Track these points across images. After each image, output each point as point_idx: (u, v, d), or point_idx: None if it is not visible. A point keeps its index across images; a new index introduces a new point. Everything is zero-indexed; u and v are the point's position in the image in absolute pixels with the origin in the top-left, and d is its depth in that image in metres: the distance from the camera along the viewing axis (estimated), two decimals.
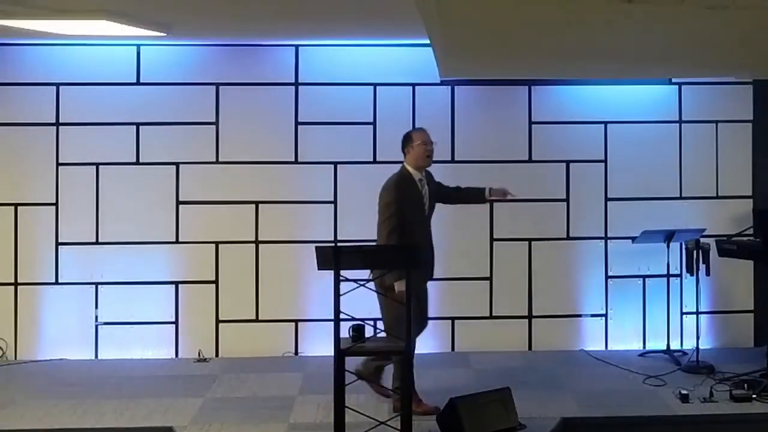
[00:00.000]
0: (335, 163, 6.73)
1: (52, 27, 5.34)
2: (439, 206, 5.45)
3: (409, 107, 6.75)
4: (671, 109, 6.87)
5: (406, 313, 4.41)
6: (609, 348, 6.80)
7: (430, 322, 6.36)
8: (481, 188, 5.51)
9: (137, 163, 6.66)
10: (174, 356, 6.66)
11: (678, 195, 6.85)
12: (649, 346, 6.75)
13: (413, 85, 6.75)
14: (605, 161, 6.85)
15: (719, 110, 6.87)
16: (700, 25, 3.83)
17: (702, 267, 6.11)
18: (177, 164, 6.67)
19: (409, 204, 5.21)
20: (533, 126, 6.81)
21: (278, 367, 6.33)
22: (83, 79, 6.63)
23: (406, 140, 5.32)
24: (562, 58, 5.42)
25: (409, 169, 5.30)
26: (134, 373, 6.19)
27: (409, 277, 4.45)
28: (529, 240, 6.71)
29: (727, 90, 6.85)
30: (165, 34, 5.63)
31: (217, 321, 6.69)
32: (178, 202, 6.68)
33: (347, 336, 4.54)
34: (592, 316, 6.84)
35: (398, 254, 4.71)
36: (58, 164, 6.63)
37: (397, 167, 6.65)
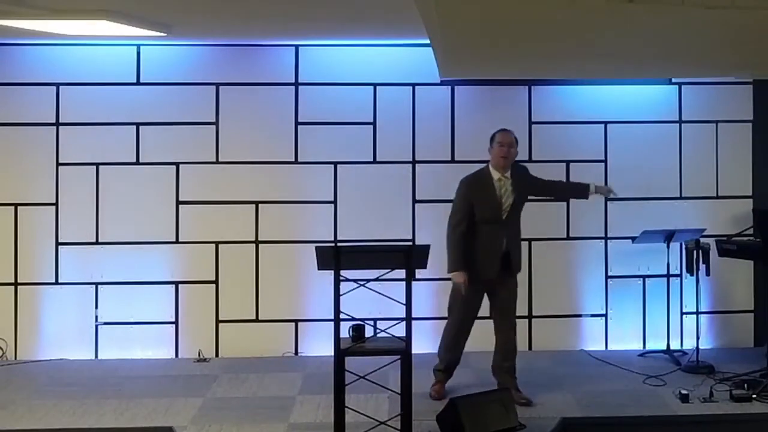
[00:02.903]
0: (335, 163, 6.72)
1: (52, 27, 5.33)
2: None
3: (409, 107, 6.75)
4: (671, 109, 6.87)
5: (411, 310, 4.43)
6: (609, 348, 6.80)
7: (430, 323, 6.41)
8: (585, 184, 5.59)
9: (137, 163, 6.66)
10: (174, 356, 6.65)
11: (678, 195, 6.85)
12: (649, 346, 6.74)
13: (413, 85, 6.75)
14: (605, 161, 6.85)
15: (719, 110, 6.87)
16: (700, 25, 3.83)
17: (702, 267, 6.11)
18: (177, 164, 6.67)
19: (479, 203, 5.32)
20: (533, 126, 6.81)
21: (278, 367, 6.33)
22: (83, 79, 6.62)
23: (490, 140, 5.47)
24: (562, 58, 5.42)
25: (490, 168, 5.40)
26: (134, 373, 6.19)
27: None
28: (529, 240, 6.69)
29: (727, 90, 6.84)
30: (165, 34, 5.62)
31: (217, 321, 6.69)
32: (178, 202, 6.68)
33: (347, 336, 4.55)
34: (592, 316, 6.84)
35: (398, 254, 4.69)
36: (58, 164, 6.62)
37: (396, 167, 6.73)
